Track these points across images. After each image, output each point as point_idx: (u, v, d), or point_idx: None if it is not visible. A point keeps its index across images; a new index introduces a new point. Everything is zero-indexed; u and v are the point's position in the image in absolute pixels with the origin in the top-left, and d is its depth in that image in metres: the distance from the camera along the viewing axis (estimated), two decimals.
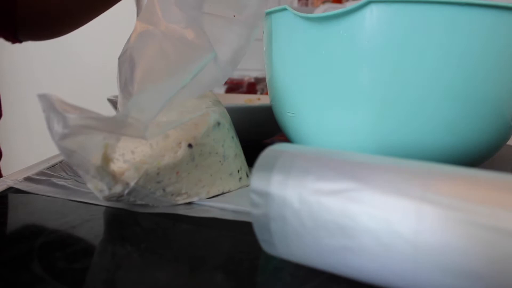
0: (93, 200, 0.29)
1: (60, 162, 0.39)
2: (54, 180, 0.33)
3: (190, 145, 0.29)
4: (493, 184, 0.16)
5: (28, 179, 0.34)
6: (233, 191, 0.32)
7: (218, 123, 0.31)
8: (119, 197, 0.27)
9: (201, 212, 0.28)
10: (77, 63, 1.72)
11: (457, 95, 0.28)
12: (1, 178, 0.34)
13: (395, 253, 0.16)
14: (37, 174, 0.35)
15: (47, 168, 0.37)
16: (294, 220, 0.18)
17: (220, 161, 0.31)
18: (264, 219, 0.19)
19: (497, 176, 0.16)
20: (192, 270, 0.20)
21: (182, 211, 0.28)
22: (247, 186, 0.33)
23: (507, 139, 0.32)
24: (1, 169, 0.60)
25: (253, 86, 1.36)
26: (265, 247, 0.20)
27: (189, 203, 0.29)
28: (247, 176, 0.33)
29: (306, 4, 1.43)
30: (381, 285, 0.17)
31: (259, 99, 0.67)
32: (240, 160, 0.33)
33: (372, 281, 0.17)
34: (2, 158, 0.60)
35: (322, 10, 1.04)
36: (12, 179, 0.33)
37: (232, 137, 0.32)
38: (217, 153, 0.30)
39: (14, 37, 0.56)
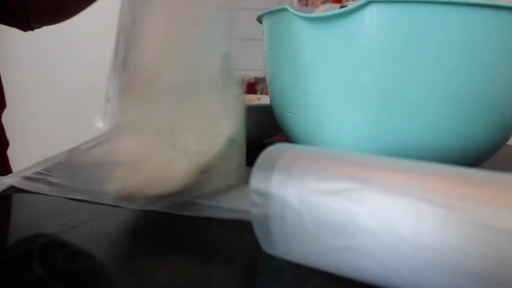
0: (88, 197, 0.30)
1: (56, 162, 0.39)
2: (50, 178, 0.34)
3: (202, 172, 0.28)
4: (493, 184, 0.16)
5: (25, 178, 0.34)
6: (232, 191, 0.31)
7: (232, 141, 0.29)
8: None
9: (200, 211, 0.28)
10: (78, 62, 1.72)
11: (457, 95, 0.28)
12: None
13: (395, 253, 0.16)
14: (34, 173, 0.35)
15: (43, 169, 0.37)
16: (294, 220, 0.18)
17: (224, 175, 0.30)
18: (264, 219, 0.19)
19: (497, 176, 0.16)
20: (192, 270, 0.20)
21: (182, 211, 0.28)
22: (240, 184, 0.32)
23: (507, 139, 0.32)
24: (9, 159, 0.61)
25: (253, 86, 1.36)
26: (265, 247, 0.20)
27: (189, 203, 0.29)
28: (241, 176, 0.33)
29: (306, 4, 1.43)
30: (381, 285, 0.17)
31: (259, 99, 0.67)
32: (242, 167, 0.32)
33: (372, 281, 0.17)
34: (9, 149, 0.61)
35: (322, 10, 1.04)
36: (9, 178, 0.33)
37: (240, 148, 0.31)
38: (222, 169, 0.30)
39: (27, 24, 0.55)
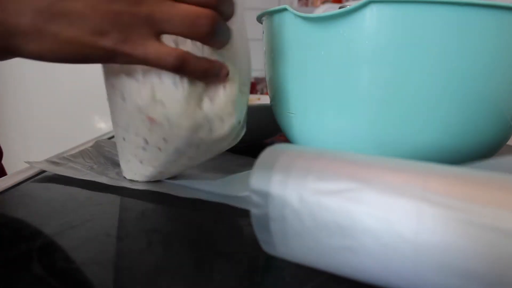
0: (109, 182, 0.33)
1: (81, 150, 0.41)
2: (72, 164, 0.37)
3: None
4: (493, 184, 0.16)
5: (50, 162, 0.36)
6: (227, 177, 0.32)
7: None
8: None
9: (193, 194, 0.29)
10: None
11: (457, 95, 0.28)
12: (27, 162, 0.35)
13: (395, 253, 0.16)
14: (59, 158, 0.38)
15: (68, 155, 0.39)
16: (294, 220, 0.18)
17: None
18: (264, 219, 0.19)
19: (497, 176, 0.16)
20: (192, 270, 0.20)
21: (176, 192, 0.29)
22: None
23: (507, 139, 0.32)
24: (10, 159, 0.60)
25: (253, 86, 1.36)
26: (265, 247, 0.20)
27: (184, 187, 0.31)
28: None
29: (306, 4, 1.43)
30: (381, 285, 0.17)
31: (259, 99, 0.67)
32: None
33: (372, 281, 0.17)
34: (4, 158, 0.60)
35: (322, 10, 1.03)
36: (38, 163, 0.36)
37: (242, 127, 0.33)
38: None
39: None
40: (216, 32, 0.25)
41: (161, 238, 0.24)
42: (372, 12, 0.27)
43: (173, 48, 0.26)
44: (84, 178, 0.33)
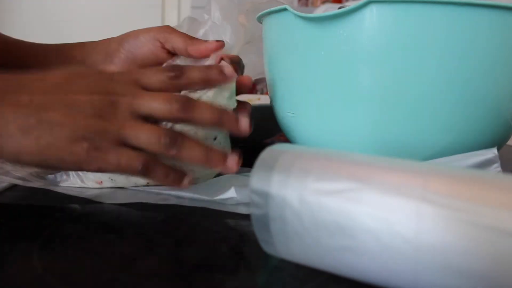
0: (38, 185, 0.31)
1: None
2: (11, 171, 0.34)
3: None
4: (493, 184, 0.16)
5: None
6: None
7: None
8: None
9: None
10: None
11: (457, 95, 0.28)
12: None
13: (395, 253, 0.16)
14: None
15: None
16: (294, 220, 0.18)
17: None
18: (264, 219, 0.19)
19: (497, 176, 0.16)
20: (192, 270, 0.20)
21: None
22: None
23: (507, 139, 0.32)
24: None
25: (253, 86, 1.36)
26: (265, 247, 0.20)
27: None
28: None
29: (306, 4, 1.43)
30: (381, 285, 0.17)
31: (259, 99, 0.67)
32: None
33: (372, 281, 0.17)
34: None
35: (322, 10, 1.04)
36: None
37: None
38: None
39: None
40: (174, 147, 0.27)
41: (161, 238, 0.24)
42: (372, 12, 0.27)
43: (139, 153, 0.27)
44: (27, 185, 0.32)
